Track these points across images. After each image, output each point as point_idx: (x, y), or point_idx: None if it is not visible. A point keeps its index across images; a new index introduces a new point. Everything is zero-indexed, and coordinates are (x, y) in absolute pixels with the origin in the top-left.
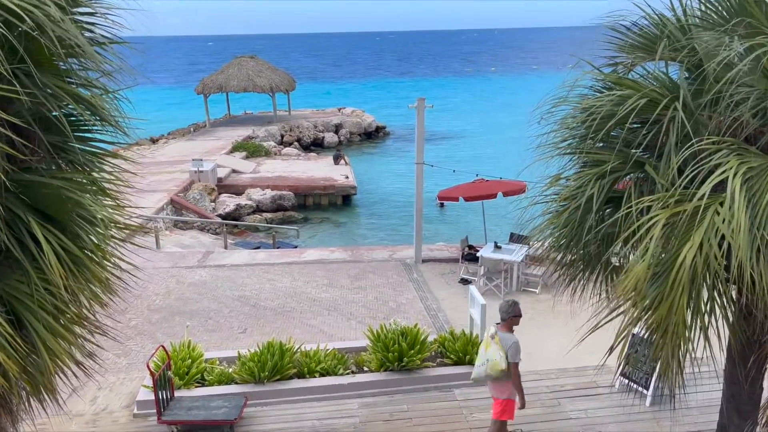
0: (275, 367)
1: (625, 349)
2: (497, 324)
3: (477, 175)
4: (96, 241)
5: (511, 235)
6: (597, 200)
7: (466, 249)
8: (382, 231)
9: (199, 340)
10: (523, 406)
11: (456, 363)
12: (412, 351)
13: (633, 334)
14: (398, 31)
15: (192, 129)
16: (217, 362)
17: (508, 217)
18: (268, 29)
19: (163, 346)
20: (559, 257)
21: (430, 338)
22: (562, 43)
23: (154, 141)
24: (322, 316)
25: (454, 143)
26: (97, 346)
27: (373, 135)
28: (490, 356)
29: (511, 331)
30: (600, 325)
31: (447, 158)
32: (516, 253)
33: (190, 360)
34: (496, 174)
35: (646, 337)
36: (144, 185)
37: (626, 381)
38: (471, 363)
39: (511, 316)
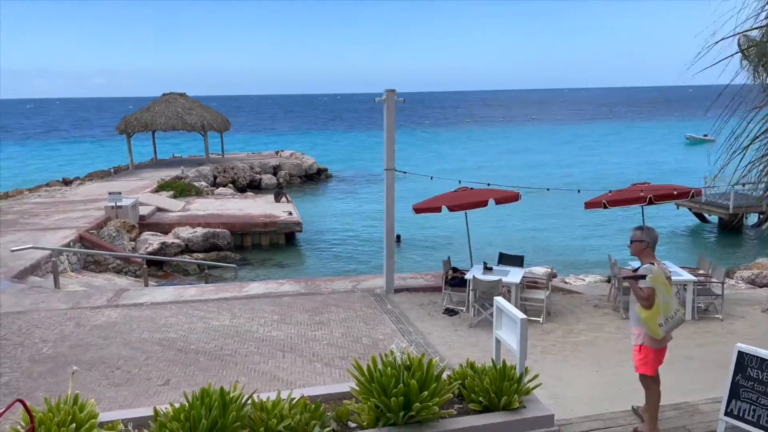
0: (214, 427)
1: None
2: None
3: (459, 182)
4: None
5: (501, 255)
6: None
7: (450, 272)
8: (338, 266)
9: (99, 397)
10: None
11: (485, 409)
12: (425, 393)
13: (745, 354)
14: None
15: (113, 171)
16: (120, 425)
17: (497, 232)
18: (205, 91)
19: (23, 403)
20: None
21: (444, 374)
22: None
23: (67, 183)
24: (276, 358)
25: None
26: None
27: (314, 177)
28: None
29: None
30: None
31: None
32: (513, 275)
33: (74, 425)
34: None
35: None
36: (48, 223)
37: (736, 423)
38: (508, 408)
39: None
